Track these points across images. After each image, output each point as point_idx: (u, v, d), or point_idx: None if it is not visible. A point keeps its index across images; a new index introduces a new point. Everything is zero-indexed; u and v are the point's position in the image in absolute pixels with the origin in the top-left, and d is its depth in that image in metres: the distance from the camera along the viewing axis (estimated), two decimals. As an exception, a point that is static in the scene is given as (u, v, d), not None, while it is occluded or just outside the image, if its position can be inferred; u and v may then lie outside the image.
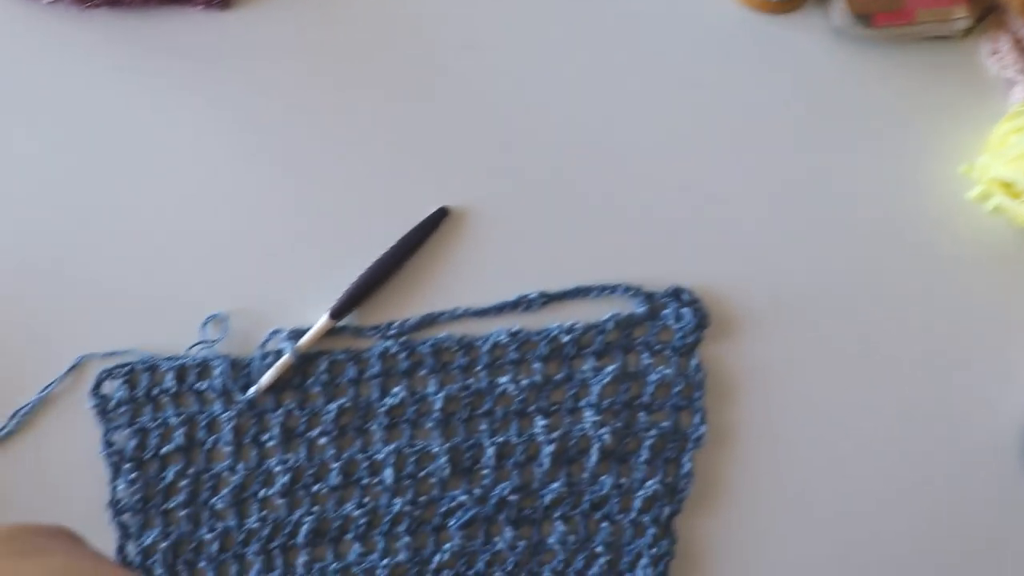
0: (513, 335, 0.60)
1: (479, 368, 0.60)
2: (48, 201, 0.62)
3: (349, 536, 0.59)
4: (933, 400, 0.61)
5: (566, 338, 0.60)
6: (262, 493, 0.59)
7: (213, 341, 0.60)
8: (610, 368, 0.60)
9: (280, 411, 0.60)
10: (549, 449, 0.59)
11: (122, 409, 0.60)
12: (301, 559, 0.59)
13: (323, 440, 0.60)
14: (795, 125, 0.63)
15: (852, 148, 0.63)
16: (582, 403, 0.60)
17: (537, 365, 0.60)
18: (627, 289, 0.61)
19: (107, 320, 0.61)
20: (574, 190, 0.62)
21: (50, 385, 0.60)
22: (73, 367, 0.60)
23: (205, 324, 0.61)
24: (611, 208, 0.62)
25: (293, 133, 0.63)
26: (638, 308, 0.61)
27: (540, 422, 0.60)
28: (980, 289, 0.62)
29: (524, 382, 0.60)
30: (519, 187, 0.62)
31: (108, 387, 0.60)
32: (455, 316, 0.61)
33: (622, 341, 0.61)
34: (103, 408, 0.60)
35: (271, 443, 0.60)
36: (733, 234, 0.62)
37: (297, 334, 0.60)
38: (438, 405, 0.60)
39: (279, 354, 0.60)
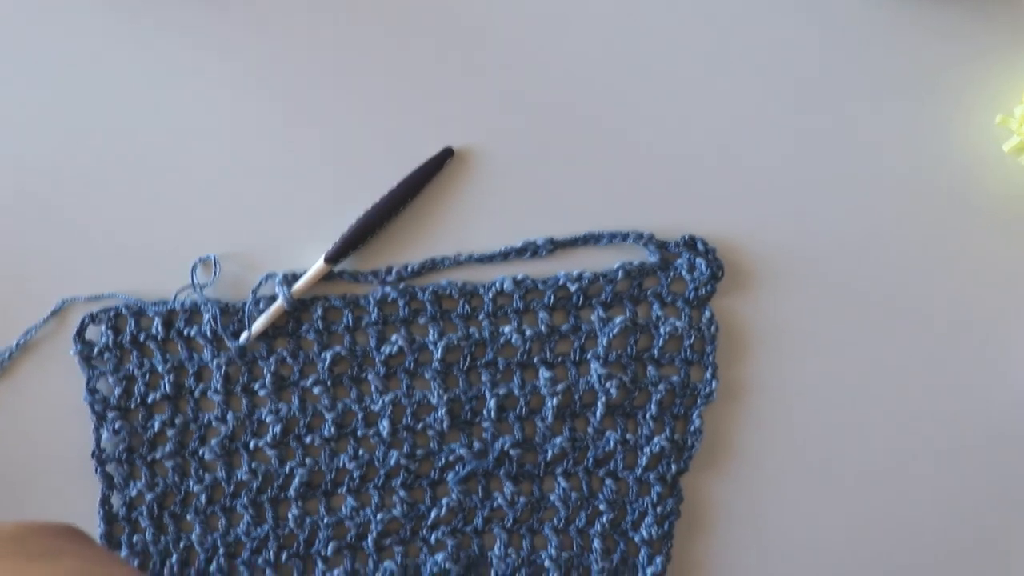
0: (518, 283, 0.59)
1: (481, 317, 0.59)
2: (30, 140, 0.61)
3: (342, 489, 0.59)
4: (955, 358, 0.61)
5: (573, 287, 0.59)
6: (252, 444, 0.59)
7: (202, 285, 0.59)
8: (619, 319, 0.59)
9: (272, 359, 0.59)
10: (553, 402, 0.59)
11: (107, 355, 0.59)
12: (292, 512, 0.59)
13: (317, 389, 0.59)
14: (823, 70, 0.61)
15: (883, 95, 0.61)
16: (588, 355, 0.59)
17: (542, 315, 0.59)
18: (639, 237, 0.60)
19: (91, 262, 0.60)
20: (585, 132, 0.61)
21: (31, 329, 0.60)
22: (56, 311, 0.60)
23: (194, 267, 0.60)
24: (624, 152, 0.61)
25: (290, 65, 0.61)
26: (650, 257, 0.60)
27: (544, 374, 0.59)
28: (1013, 244, 0.61)
29: (528, 332, 0.59)
30: (527, 128, 0.61)
31: (92, 332, 0.60)
32: (457, 262, 0.60)
33: (632, 291, 0.60)
34: (87, 354, 0.59)
35: (262, 392, 0.59)
36: (752, 182, 0.61)
37: (291, 278, 0.59)
38: (438, 354, 0.59)
39: (272, 299, 0.59)
